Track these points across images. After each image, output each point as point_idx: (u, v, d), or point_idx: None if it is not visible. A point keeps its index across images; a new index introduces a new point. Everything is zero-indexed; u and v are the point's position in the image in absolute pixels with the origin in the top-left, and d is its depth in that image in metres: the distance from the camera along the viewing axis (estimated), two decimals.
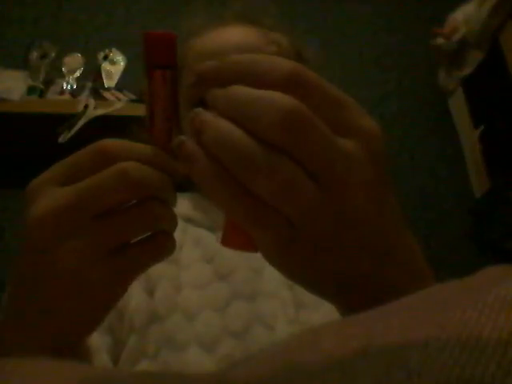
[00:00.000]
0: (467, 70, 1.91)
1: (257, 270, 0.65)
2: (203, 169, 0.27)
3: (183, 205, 0.77)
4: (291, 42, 0.78)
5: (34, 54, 1.67)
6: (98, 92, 1.63)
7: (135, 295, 0.64)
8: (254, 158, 0.26)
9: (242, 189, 0.27)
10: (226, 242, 0.34)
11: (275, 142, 0.27)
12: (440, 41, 1.92)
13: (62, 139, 1.45)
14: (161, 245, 0.34)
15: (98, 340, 0.62)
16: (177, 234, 0.70)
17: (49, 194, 0.31)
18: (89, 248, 0.30)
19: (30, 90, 1.59)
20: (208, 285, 0.64)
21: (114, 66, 1.72)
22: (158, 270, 0.65)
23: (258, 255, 0.34)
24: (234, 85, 0.28)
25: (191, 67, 0.72)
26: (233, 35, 0.72)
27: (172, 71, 0.32)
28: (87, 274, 0.31)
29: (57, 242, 0.30)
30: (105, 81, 1.69)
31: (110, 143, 0.32)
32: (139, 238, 0.33)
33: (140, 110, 1.50)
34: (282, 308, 0.63)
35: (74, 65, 1.68)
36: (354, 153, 0.28)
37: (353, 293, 0.31)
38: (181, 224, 0.72)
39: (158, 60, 0.32)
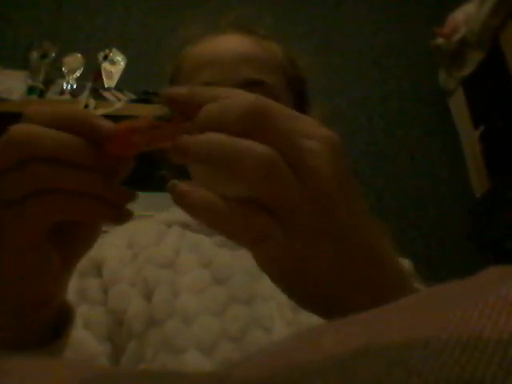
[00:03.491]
0: (467, 70, 1.91)
1: (253, 274, 0.65)
2: (195, 203, 0.31)
3: (180, 211, 0.77)
4: (285, 51, 0.79)
5: (34, 54, 1.67)
6: (97, 92, 1.63)
7: (133, 301, 0.64)
8: (232, 147, 0.29)
9: (232, 208, 0.30)
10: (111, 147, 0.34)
11: (249, 134, 0.29)
12: (440, 41, 1.92)
13: None
14: (52, 200, 0.34)
15: (96, 347, 0.63)
16: (174, 240, 0.71)
17: None
18: None
19: (30, 90, 1.59)
20: (205, 289, 0.65)
21: (114, 66, 1.72)
22: (156, 275, 0.66)
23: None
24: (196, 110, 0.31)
25: (181, 80, 0.73)
26: (227, 44, 0.73)
27: None
28: None
29: None
30: (105, 81, 1.68)
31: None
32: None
33: (140, 110, 1.51)
34: (280, 310, 0.63)
35: (74, 65, 1.68)
36: (320, 149, 0.31)
37: (341, 304, 0.33)
38: (178, 230, 0.73)
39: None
